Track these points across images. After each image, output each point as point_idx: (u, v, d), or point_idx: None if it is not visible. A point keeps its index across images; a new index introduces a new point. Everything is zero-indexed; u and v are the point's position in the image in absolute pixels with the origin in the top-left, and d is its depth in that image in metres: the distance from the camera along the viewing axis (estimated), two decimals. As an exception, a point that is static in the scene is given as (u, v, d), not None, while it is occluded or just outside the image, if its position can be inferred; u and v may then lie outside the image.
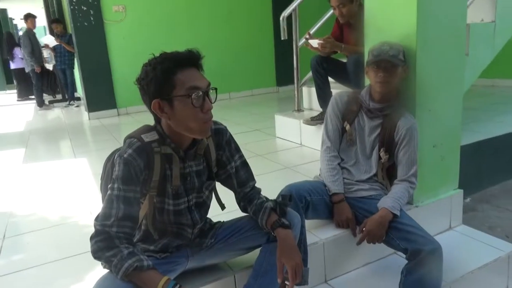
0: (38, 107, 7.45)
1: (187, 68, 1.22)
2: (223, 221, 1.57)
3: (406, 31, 1.85)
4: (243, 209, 1.53)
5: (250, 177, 1.51)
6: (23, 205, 2.53)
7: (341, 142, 1.93)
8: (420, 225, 1.72)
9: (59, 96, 8.27)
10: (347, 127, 1.89)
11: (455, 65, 2.00)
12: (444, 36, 1.91)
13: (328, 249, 1.77)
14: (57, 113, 6.98)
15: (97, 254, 1.18)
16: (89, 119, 5.80)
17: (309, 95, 3.75)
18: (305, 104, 3.83)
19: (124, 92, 5.99)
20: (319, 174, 2.02)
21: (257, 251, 1.51)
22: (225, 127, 1.46)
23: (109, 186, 1.23)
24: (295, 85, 3.68)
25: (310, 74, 3.42)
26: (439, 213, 2.10)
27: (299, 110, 3.70)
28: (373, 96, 1.84)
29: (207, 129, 1.27)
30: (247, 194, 1.50)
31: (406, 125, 1.80)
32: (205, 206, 1.46)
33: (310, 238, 1.72)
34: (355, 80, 2.69)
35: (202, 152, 1.37)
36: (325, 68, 2.95)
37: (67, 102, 7.53)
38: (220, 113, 5.39)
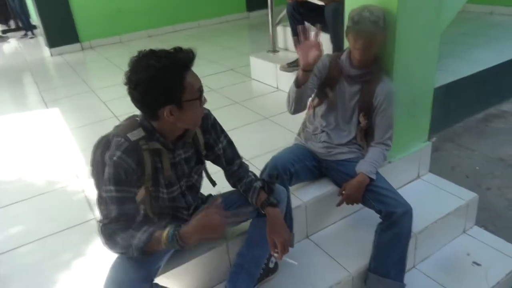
0: (-9, 39, 6.90)
1: (190, 71, 1.23)
2: (215, 195, 1.65)
3: (387, -5, 1.82)
4: (233, 185, 1.62)
5: (236, 155, 1.58)
6: (5, 168, 2.52)
7: (323, 107, 1.98)
8: (392, 181, 1.88)
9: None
10: (329, 93, 1.93)
11: (433, 25, 2.01)
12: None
13: (310, 209, 1.92)
14: (14, 46, 6.52)
15: (112, 250, 1.28)
16: (51, 55, 5.47)
17: (284, 34, 3.68)
18: (280, 43, 3.77)
19: (86, 24, 5.63)
20: (298, 134, 2.11)
21: (247, 222, 1.64)
22: (209, 110, 1.48)
23: (102, 188, 1.29)
24: (270, 25, 3.59)
25: (284, 13, 3.33)
26: (409, 165, 2.28)
27: (275, 50, 3.65)
28: (352, 62, 1.86)
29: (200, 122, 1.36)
30: (236, 172, 1.58)
31: (384, 90, 1.86)
32: (196, 188, 1.54)
33: (294, 201, 1.85)
34: (333, 30, 2.67)
35: (191, 139, 1.41)
36: (302, 14, 2.88)
37: (23, 33, 6.99)
38: (191, 45, 5.22)
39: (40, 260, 1.72)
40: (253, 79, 3.68)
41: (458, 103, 3.32)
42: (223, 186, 1.62)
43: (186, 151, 1.41)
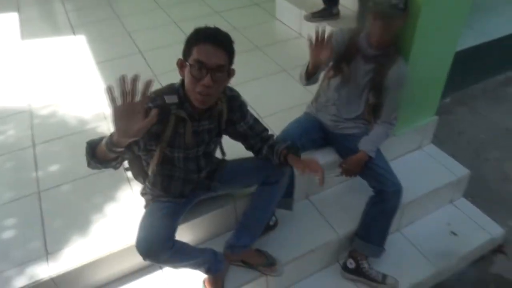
0: None
1: (207, 43, 1.34)
2: (227, 161, 1.86)
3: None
4: (258, 149, 1.75)
5: (264, 128, 1.75)
6: (40, 100, 2.74)
7: (337, 80, 2.06)
8: (392, 151, 2.04)
9: None
10: (345, 68, 2.00)
11: (460, 7, 1.98)
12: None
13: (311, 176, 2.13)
14: None
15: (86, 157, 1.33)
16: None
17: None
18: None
19: None
20: (311, 102, 2.24)
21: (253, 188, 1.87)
22: (238, 93, 1.64)
23: None
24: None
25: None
26: (412, 137, 2.41)
27: (303, -10, 3.55)
28: (370, 42, 1.91)
29: (201, 100, 1.40)
30: (263, 137, 1.74)
31: (397, 73, 1.92)
32: (210, 156, 1.74)
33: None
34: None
35: (216, 114, 1.58)
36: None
37: None
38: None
39: (76, 200, 2.00)
40: (277, 19, 3.64)
41: (479, 64, 3.27)
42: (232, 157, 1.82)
43: (210, 123, 1.58)
